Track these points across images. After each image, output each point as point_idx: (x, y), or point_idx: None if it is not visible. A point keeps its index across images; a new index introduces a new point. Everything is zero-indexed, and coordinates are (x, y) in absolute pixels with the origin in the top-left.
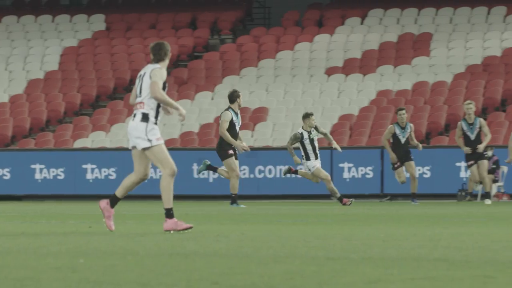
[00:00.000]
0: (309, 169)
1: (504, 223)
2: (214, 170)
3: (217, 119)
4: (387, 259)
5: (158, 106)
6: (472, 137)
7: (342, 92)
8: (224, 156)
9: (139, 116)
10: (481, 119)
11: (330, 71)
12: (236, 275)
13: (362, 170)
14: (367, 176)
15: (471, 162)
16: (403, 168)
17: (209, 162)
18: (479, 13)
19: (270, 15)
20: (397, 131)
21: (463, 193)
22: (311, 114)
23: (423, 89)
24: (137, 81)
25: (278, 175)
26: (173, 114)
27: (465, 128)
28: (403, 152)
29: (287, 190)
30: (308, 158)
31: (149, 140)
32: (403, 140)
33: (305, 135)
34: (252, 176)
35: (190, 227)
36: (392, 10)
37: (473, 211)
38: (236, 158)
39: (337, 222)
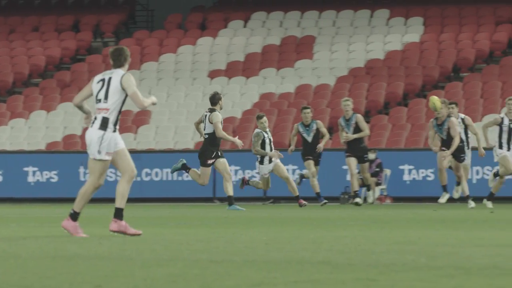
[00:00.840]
0: (265, 173)
1: (387, 226)
2: (187, 170)
3: None
4: (270, 262)
5: (119, 114)
6: (349, 133)
7: (225, 95)
8: (203, 162)
9: (98, 123)
10: (358, 115)
11: (213, 74)
12: (119, 278)
13: (248, 173)
14: (254, 178)
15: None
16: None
17: (185, 161)
18: (362, 16)
19: (153, 18)
20: (301, 129)
21: (346, 196)
22: (262, 116)
23: (306, 92)
24: (96, 86)
25: (164, 178)
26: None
27: (342, 124)
28: (311, 151)
29: (171, 193)
30: (262, 162)
31: (99, 152)
32: (309, 139)
33: (264, 135)
34: (138, 179)
35: (139, 233)
36: (275, 13)
37: (356, 214)
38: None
39: (220, 225)
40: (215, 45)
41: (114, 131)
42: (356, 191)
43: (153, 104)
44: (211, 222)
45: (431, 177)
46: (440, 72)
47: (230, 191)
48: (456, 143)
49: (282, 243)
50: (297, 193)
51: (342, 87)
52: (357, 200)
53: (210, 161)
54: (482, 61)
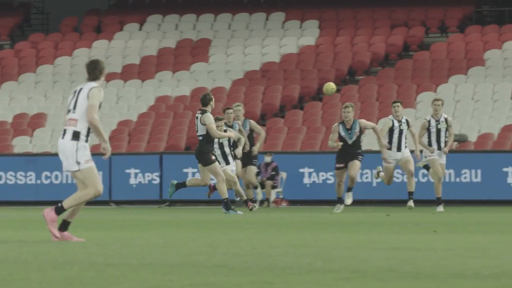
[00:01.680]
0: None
1: (283, 229)
2: (184, 185)
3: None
4: (166, 265)
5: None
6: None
7: (121, 98)
8: (207, 161)
9: (69, 134)
10: (251, 121)
11: (108, 77)
12: (15, 281)
13: (148, 176)
14: (154, 182)
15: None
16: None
17: (176, 182)
18: (258, 19)
19: (48, 21)
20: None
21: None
22: (222, 118)
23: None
24: (70, 96)
25: (64, 181)
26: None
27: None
28: (246, 154)
29: (65, 196)
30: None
31: (78, 163)
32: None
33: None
34: (38, 182)
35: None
36: (170, 16)
37: (252, 217)
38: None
39: (116, 228)
40: (111, 48)
41: (86, 141)
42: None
43: (103, 148)
44: (107, 225)
45: (331, 180)
46: (336, 75)
47: (224, 194)
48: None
49: (178, 246)
50: (245, 197)
51: (237, 90)
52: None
53: (213, 157)
54: (377, 64)
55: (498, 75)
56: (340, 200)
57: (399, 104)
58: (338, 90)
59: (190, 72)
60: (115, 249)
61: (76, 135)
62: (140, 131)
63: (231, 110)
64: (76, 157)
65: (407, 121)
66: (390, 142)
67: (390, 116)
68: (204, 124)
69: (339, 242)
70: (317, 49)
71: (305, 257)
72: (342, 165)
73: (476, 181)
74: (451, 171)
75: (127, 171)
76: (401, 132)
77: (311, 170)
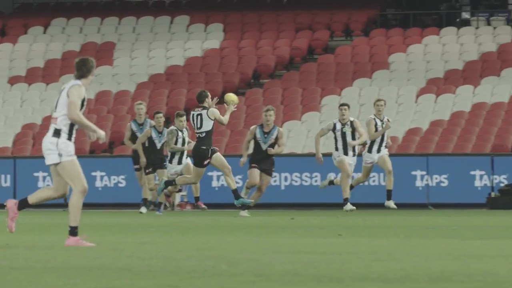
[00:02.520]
0: (171, 173)
1: (188, 232)
2: (173, 183)
3: None
4: (70, 269)
5: (72, 125)
6: (158, 145)
7: (25, 101)
8: (200, 165)
9: (51, 132)
10: (151, 121)
11: (13, 80)
12: None
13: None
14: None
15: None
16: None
17: (164, 179)
18: (162, 23)
19: None
20: (154, 135)
21: (148, 203)
22: (183, 115)
23: (106, 99)
24: (58, 95)
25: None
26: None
27: (134, 129)
28: (158, 159)
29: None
30: (171, 161)
31: (60, 155)
32: (158, 145)
33: (180, 134)
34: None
35: (92, 246)
36: (75, 19)
37: (157, 220)
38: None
39: (21, 231)
40: (15, 51)
41: (69, 139)
42: (146, 198)
43: (98, 136)
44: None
45: (239, 184)
46: (241, 78)
47: (233, 185)
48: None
49: (83, 250)
50: (198, 195)
51: (142, 94)
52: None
53: (206, 162)
54: (282, 68)
55: (402, 78)
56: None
57: (346, 107)
58: (243, 93)
59: (95, 75)
60: (19, 252)
61: (57, 133)
62: (45, 134)
63: (159, 114)
64: (57, 149)
65: (351, 123)
66: (336, 145)
67: (336, 120)
68: (213, 119)
69: (244, 246)
70: (222, 53)
71: (210, 260)
72: (255, 165)
73: (384, 185)
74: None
75: (35, 174)
76: (344, 134)
77: (220, 173)
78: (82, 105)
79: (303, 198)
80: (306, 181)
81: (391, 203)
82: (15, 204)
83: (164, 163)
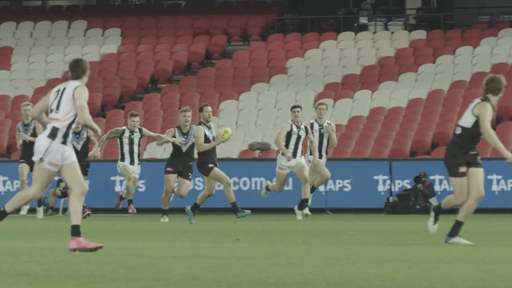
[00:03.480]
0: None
1: (85, 237)
2: (197, 206)
3: None
4: None
5: (70, 127)
6: (78, 147)
7: None
8: (207, 171)
9: (47, 131)
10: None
11: None
12: None
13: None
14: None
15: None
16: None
17: (189, 207)
18: (60, 27)
19: None
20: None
21: (45, 207)
22: (136, 115)
23: (3, 103)
24: (52, 96)
25: None
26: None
27: (20, 129)
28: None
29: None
30: (133, 162)
31: (41, 160)
32: (78, 147)
33: (127, 133)
34: None
35: (99, 246)
36: None
37: (55, 225)
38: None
39: None
40: None
41: (64, 143)
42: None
43: (95, 131)
44: None
45: (143, 188)
46: (138, 83)
47: (231, 198)
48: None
49: None
50: (131, 198)
51: (39, 98)
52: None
53: (210, 165)
54: (179, 72)
55: (300, 83)
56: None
57: (299, 109)
58: (140, 98)
59: None
60: None
61: (53, 133)
62: None
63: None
64: (42, 154)
65: (305, 127)
66: (287, 147)
67: (289, 121)
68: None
69: (142, 250)
70: (119, 57)
71: (108, 265)
72: (172, 170)
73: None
74: (262, 179)
75: None
76: (299, 138)
77: (121, 178)
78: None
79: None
80: (199, 186)
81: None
82: None
83: (82, 162)
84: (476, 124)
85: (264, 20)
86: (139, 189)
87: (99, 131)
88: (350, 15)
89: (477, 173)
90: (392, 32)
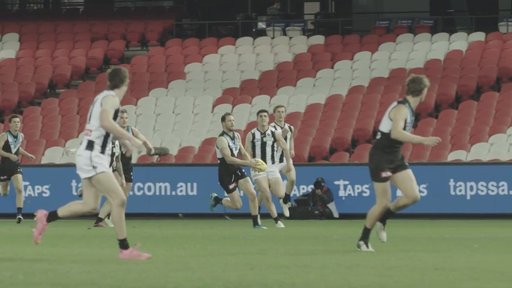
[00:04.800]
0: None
1: None
2: (220, 201)
3: None
4: None
5: (107, 136)
6: (14, 150)
7: None
8: (226, 190)
9: (84, 144)
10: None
11: None
12: None
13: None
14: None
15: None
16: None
17: (215, 194)
18: None
19: None
20: (10, 139)
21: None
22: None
23: None
24: (91, 107)
25: None
26: (131, 149)
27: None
28: (12, 164)
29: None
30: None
31: (94, 167)
32: (13, 150)
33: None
34: None
35: (148, 257)
36: None
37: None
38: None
39: None
40: None
41: (102, 152)
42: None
43: (133, 145)
44: None
45: (47, 194)
46: (36, 88)
47: (254, 211)
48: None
49: None
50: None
51: None
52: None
53: (231, 186)
54: (78, 77)
55: (199, 88)
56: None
57: (266, 113)
58: (39, 103)
59: None
60: None
61: (90, 145)
62: None
63: (16, 119)
64: (91, 162)
65: (272, 132)
66: (254, 156)
67: (254, 129)
68: (219, 148)
69: (41, 256)
70: (18, 62)
71: (7, 270)
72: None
73: (191, 194)
74: (161, 184)
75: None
76: (264, 144)
77: (27, 183)
78: (116, 115)
79: None
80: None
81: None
82: (45, 215)
83: (19, 168)
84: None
85: (162, 25)
86: (43, 194)
87: (127, 135)
88: (249, 20)
89: (405, 176)
90: (291, 37)
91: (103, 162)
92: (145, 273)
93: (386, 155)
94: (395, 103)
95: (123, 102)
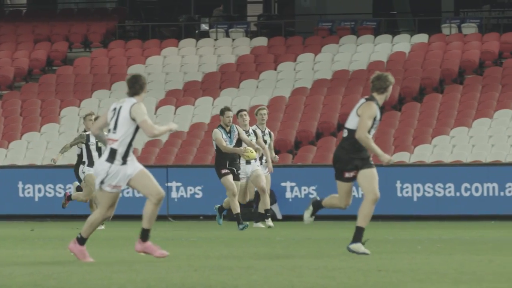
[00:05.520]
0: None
1: None
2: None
3: None
4: None
5: (130, 146)
6: None
7: None
8: (220, 175)
9: (106, 154)
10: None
11: None
12: None
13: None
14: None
15: None
16: None
17: (218, 206)
18: None
19: None
20: None
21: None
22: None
23: None
24: (109, 114)
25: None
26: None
27: None
28: None
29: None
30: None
31: (102, 183)
32: None
33: (92, 139)
34: None
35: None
36: None
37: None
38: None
39: None
40: None
41: (123, 163)
42: None
43: (170, 131)
44: None
45: None
46: None
47: (235, 209)
48: None
49: None
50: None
51: None
52: None
53: (223, 171)
54: (21, 79)
55: None
56: None
57: (245, 112)
58: None
59: None
60: None
61: (112, 156)
62: None
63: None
64: (102, 178)
65: (254, 131)
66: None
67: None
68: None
69: None
70: None
71: None
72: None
73: (137, 196)
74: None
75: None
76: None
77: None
78: None
79: (38, 210)
80: (50, 193)
81: (266, 224)
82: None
83: None
84: None
85: (105, 27)
86: None
87: (165, 129)
88: (192, 22)
89: (368, 174)
90: (234, 39)
91: (115, 182)
92: (89, 275)
93: (352, 154)
94: (363, 100)
95: (65, 103)
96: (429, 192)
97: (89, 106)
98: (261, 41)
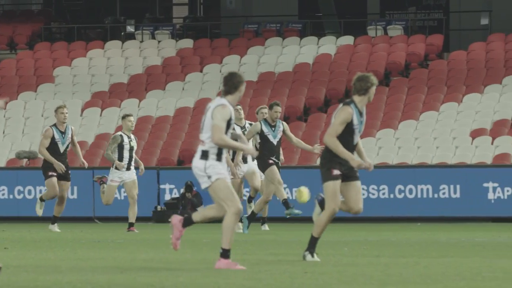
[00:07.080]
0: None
1: None
2: (254, 215)
3: None
4: None
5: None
6: (62, 148)
7: None
8: (265, 166)
9: (199, 154)
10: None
11: None
12: None
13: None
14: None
15: None
16: None
17: (246, 216)
18: None
19: None
20: None
21: None
22: (130, 115)
23: None
24: (203, 116)
25: None
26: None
27: None
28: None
29: None
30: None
31: (209, 177)
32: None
33: (125, 139)
34: None
35: (243, 269)
36: None
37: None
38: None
39: None
40: None
41: (218, 160)
42: None
43: (247, 153)
44: None
45: None
46: None
47: (280, 195)
48: None
49: None
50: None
51: None
52: None
53: (270, 161)
54: None
55: (67, 91)
56: None
57: (239, 106)
58: None
59: None
60: None
61: (204, 155)
62: None
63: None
64: (205, 172)
65: (250, 124)
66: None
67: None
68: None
69: None
70: None
71: None
72: (54, 174)
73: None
74: (30, 187)
75: None
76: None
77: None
78: (229, 125)
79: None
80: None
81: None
82: (180, 221)
83: None
84: (344, 130)
85: (31, 29)
86: None
87: (239, 146)
88: (117, 24)
89: (353, 187)
90: (159, 41)
91: (218, 170)
92: (15, 277)
93: (338, 158)
94: (340, 104)
95: None
96: (373, 194)
97: (15, 108)
98: (187, 43)
